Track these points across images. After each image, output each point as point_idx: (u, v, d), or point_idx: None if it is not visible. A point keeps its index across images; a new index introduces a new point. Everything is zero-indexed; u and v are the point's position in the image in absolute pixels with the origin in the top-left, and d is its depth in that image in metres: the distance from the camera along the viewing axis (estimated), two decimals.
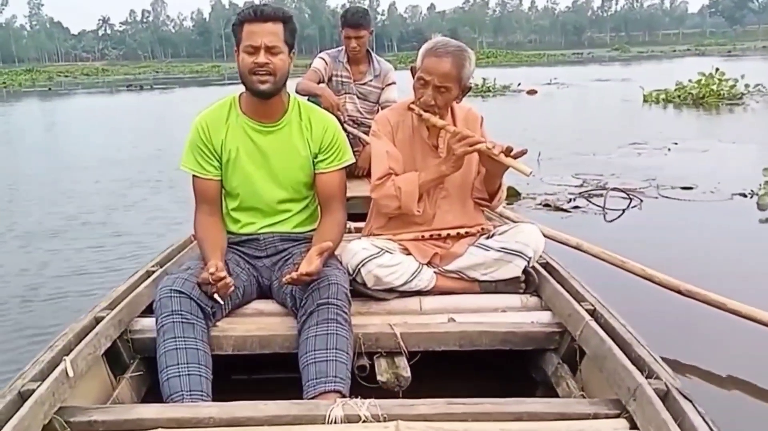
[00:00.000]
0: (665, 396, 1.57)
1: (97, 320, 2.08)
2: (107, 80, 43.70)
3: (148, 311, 2.24)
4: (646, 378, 1.64)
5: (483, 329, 2.18)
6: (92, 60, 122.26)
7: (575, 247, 3.12)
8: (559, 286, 2.33)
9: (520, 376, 2.31)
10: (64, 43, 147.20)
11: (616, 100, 15.09)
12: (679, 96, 13.87)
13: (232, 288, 2.07)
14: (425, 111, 2.35)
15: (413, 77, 2.39)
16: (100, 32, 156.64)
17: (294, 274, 2.01)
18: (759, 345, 2.64)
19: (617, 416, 1.65)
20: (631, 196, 5.51)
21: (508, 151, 2.20)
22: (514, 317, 2.29)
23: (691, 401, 1.53)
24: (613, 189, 5.70)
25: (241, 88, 2.29)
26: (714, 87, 13.69)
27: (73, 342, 1.92)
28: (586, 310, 2.09)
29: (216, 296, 2.07)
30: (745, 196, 5.44)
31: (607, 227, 4.86)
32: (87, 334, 1.97)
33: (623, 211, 5.19)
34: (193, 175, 2.32)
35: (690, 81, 14.04)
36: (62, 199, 6.41)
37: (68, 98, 25.79)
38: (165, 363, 1.92)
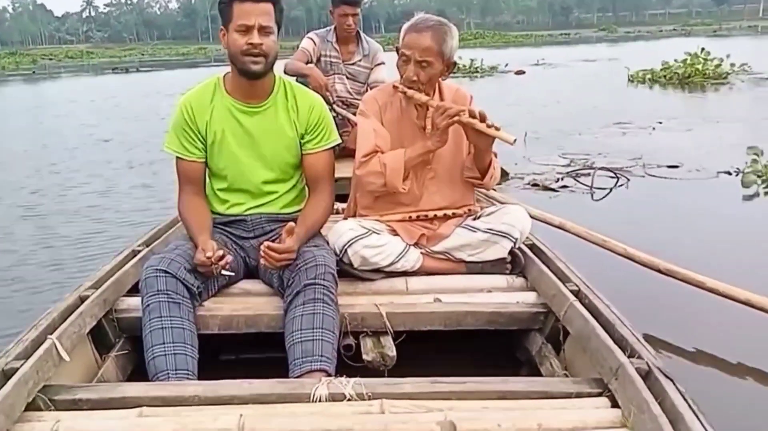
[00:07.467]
0: (647, 376, 1.59)
1: (82, 299, 2.08)
2: (92, 63, 43.17)
3: (134, 290, 2.23)
4: (629, 357, 1.66)
5: (468, 309, 2.19)
6: (76, 43, 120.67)
7: (558, 227, 3.13)
8: (544, 267, 2.34)
9: (504, 356, 2.32)
10: (47, 26, 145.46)
11: (602, 80, 15.09)
12: (664, 76, 13.87)
13: (232, 258, 2.12)
14: (409, 88, 2.34)
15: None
16: (84, 14, 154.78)
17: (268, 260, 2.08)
18: (735, 323, 2.67)
19: (599, 395, 1.66)
20: (618, 175, 5.54)
21: (483, 118, 2.19)
22: (500, 297, 2.30)
23: (671, 380, 1.55)
24: (601, 168, 5.73)
25: (227, 69, 2.27)
26: (699, 67, 13.71)
27: (57, 321, 1.92)
28: (571, 291, 2.10)
29: (224, 272, 2.10)
30: (729, 173, 5.49)
31: (594, 206, 4.89)
32: (72, 313, 1.97)
33: (610, 189, 5.22)
34: (177, 157, 2.31)
35: (676, 61, 14.05)
36: None
37: (53, 81, 25.48)
38: (151, 342, 1.93)
